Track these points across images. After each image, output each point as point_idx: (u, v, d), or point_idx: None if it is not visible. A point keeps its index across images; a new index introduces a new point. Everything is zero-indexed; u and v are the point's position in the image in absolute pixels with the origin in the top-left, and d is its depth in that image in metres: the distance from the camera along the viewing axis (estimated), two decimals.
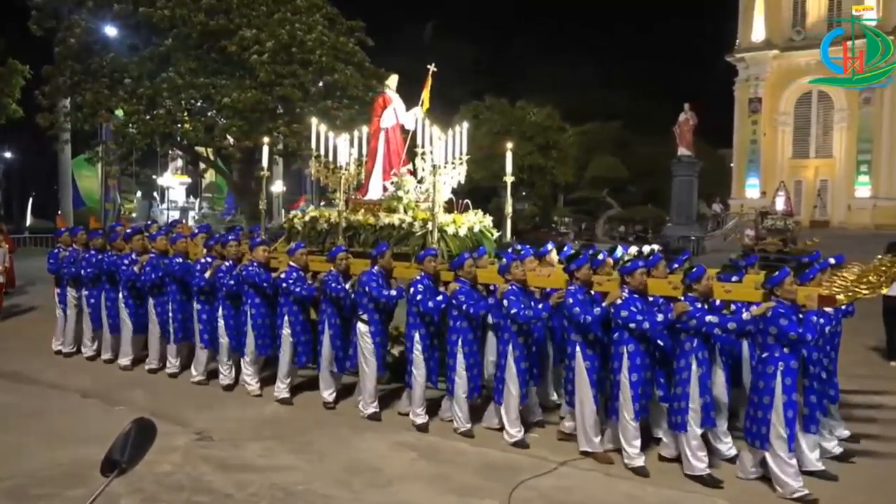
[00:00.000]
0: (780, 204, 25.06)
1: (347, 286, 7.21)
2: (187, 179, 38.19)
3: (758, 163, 30.40)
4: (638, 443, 5.78)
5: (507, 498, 5.20)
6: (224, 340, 7.90)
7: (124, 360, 8.79)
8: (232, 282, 7.77)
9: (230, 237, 8.31)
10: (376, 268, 7.02)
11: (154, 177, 36.67)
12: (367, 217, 7.95)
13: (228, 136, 20.99)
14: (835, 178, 29.32)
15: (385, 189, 8.38)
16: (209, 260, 8.09)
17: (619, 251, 7.77)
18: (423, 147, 7.93)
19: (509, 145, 8.38)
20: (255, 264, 7.65)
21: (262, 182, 9.33)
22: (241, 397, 7.71)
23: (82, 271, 9.05)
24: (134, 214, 35.59)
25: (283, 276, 7.41)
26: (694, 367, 5.56)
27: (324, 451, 6.16)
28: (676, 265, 7.05)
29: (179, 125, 20.97)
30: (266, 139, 9.58)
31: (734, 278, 6.32)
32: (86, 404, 7.41)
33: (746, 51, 30.37)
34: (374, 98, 8.86)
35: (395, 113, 8.58)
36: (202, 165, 27.10)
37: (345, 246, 7.58)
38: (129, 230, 9.41)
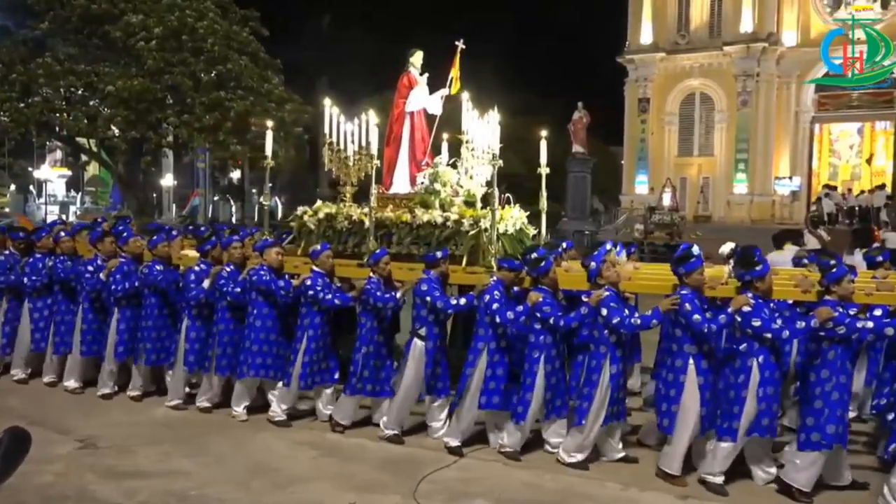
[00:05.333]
0: (666, 200, 26.33)
1: (398, 295, 6.22)
2: (67, 172, 36.06)
3: (646, 160, 31.80)
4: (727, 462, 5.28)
5: (411, 493, 5.19)
6: (214, 361, 6.72)
7: (71, 383, 7.48)
8: (237, 289, 6.59)
9: (234, 238, 7.11)
10: (433, 273, 6.18)
11: (30, 169, 34.40)
12: (399, 214, 7.01)
13: (113, 127, 19.95)
14: (716, 176, 31.08)
15: (414, 181, 7.46)
16: (204, 267, 6.89)
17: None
18: (466, 133, 6.94)
19: (543, 133, 7.22)
20: (264, 269, 6.59)
21: (267, 172, 7.97)
22: (129, 401, 7.30)
23: (25, 279, 7.64)
24: (7, 209, 33.18)
25: (308, 282, 6.36)
26: (842, 378, 5.05)
27: (221, 453, 5.94)
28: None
29: (58, 114, 19.75)
30: (270, 123, 8.20)
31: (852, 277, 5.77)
32: None
33: (635, 52, 31.67)
34: (399, 77, 7.76)
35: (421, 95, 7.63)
36: (84, 157, 25.56)
37: (385, 248, 6.62)
38: (96, 230, 7.84)
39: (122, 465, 5.65)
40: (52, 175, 35.32)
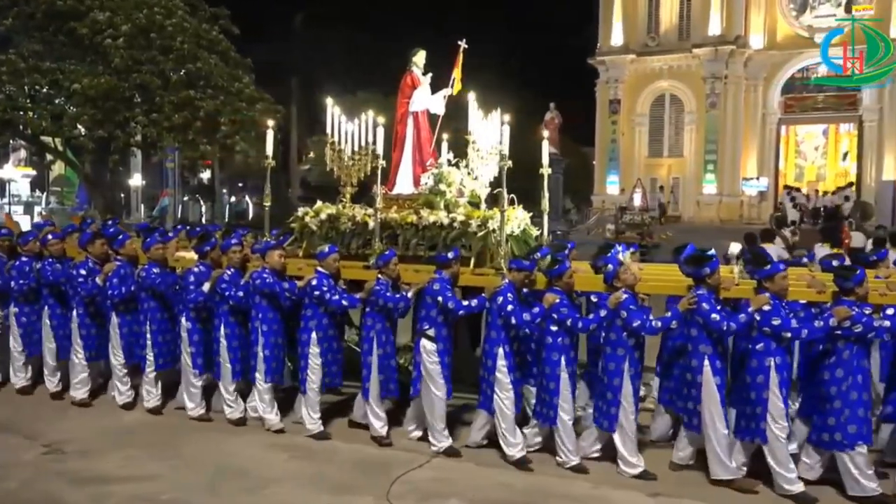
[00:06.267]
0: (637, 200, 26.59)
1: (409, 294, 6.17)
2: (32, 172, 35.29)
3: (617, 161, 32.06)
4: (793, 465, 5.19)
5: (384, 494, 5.19)
6: (227, 365, 6.56)
7: (79, 394, 7.14)
8: (240, 293, 6.45)
9: (233, 241, 6.87)
10: (445, 274, 6.04)
11: None
12: (404, 215, 6.89)
13: (79, 126, 19.59)
14: (685, 176, 31.44)
15: (418, 182, 7.35)
16: (202, 269, 6.72)
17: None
18: (472, 134, 6.92)
19: (545, 133, 7.21)
20: (267, 271, 6.44)
21: (268, 172, 7.57)
22: (97, 405, 7.16)
23: (12, 283, 7.33)
24: None
25: (313, 282, 6.23)
26: (859, 377, 5.10)
27: (192, 457, 5.88)
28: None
29: (22, 112, 19.33)
30: (271, 122, 7.91)
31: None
32: None
33: (606, 54, 31.89)
34: (402, 76, 7.57)
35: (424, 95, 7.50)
36: (49, 157, 25.05)
37: (393, 250, 6.49)
38: (87, 232, 7.50)
39: (90, 469, 5.57)
40: (15, 175, 34.48)
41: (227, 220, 33.21)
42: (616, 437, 5.56)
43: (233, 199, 41.18)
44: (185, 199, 36.11)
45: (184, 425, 6.62)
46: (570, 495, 5.27)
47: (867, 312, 5.18)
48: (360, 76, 31.68)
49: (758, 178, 30.50)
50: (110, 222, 8.81)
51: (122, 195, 32.79)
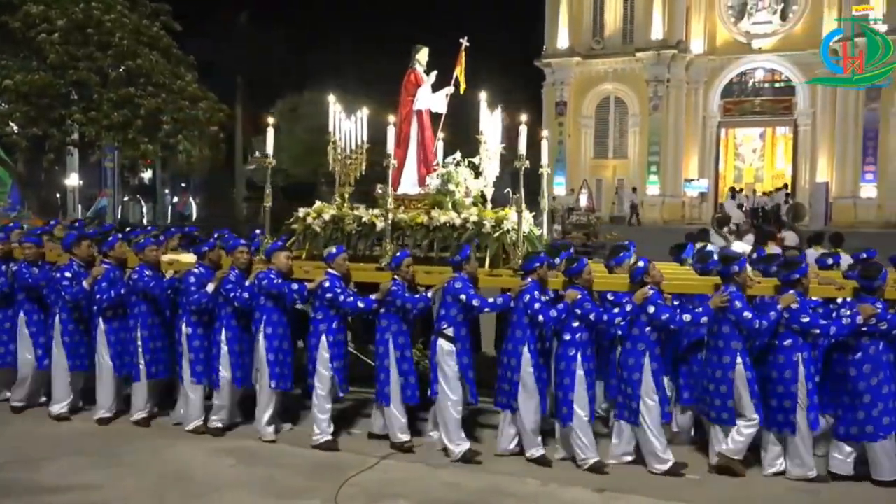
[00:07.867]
0: (583, 200, 27.01)
1: (430, 294, 6.06)
2: None
3: (564, 162, 32.49)
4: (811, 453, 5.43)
5: (332, 496, 5.15)
6: (226, 374, 6.29)
7: (58, 408, 6.67)
8: (245, 294, 6.22)
9: (241, 242, 6.64)
10: (464, 273, 5.97)
11: None
12: (414, 215, 6.77)
13: (11, 123, 18.88)
14: (629, 177, 32.06)
15: (423, 182, 7.27)
16: (203, 270, 6.48)
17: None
18: (483, 133, 6.96)
19: (545, 133, 7.22)
20: (273, 272, 6.22)
21: (268, 172, 7.35)
22: (34, 414, 6.85)
23: None
24: None
25: (325, 284, 6.02)
26: (888, 371, 5.29)
27: (135, 464, 5.73)
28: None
29: None
30: (271, 120, 7.56)
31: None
32: None
33: (553, 57, 32.29)
34: (406, 74, 7.50)
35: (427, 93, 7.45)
36: None
37: (407, 250, 6.34)
38: (71, 233, 7.12)
39: (26, 480, 5.37)
40: None
41: (169, 220, 32.45)
42: (639, 431, 5.62)
43: (175, 199, 40.23)
44: (126, 199, 35.16)
45: (126, 432, 6.44)
46: (519, 493, 5.32)
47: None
48: (305, 75, 31.35)
49: (699, 180, 31.31)
50: (77, 224, 8.46)
51: (58, 195, 31.66)
